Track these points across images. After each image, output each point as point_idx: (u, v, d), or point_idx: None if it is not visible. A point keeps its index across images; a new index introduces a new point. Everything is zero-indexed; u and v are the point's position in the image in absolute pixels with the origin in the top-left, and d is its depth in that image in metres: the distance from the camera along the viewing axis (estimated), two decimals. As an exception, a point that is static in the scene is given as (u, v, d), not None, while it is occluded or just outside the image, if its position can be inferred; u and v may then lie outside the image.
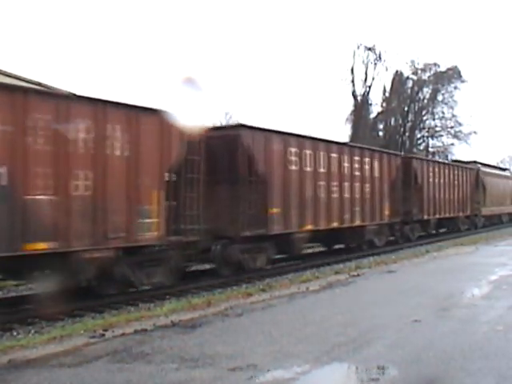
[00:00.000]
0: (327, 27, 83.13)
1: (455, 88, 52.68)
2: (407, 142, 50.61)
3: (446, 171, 26.68)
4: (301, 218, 15.26)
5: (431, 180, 24.50)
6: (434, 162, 27.22)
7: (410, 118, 52.56)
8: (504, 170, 41.26)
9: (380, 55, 48.33)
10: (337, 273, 13.27)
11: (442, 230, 27.47)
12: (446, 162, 30.33)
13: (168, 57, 66.06)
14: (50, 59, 66.60)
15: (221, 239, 13.19)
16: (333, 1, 79.30)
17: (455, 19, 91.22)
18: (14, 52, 57.34)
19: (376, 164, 19.56)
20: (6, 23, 60.90)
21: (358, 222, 18.20)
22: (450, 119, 53.63)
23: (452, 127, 53.88)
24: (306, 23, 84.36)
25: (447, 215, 26.49)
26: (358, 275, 12.47)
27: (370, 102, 50.77)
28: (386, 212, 20.08)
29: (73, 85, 51.16)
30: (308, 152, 15.64)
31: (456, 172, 28.09)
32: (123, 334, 7.05)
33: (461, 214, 28.39)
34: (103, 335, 7.04)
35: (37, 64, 59.73)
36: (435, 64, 51.69)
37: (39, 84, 21.91)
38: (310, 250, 18.99)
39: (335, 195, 16.86)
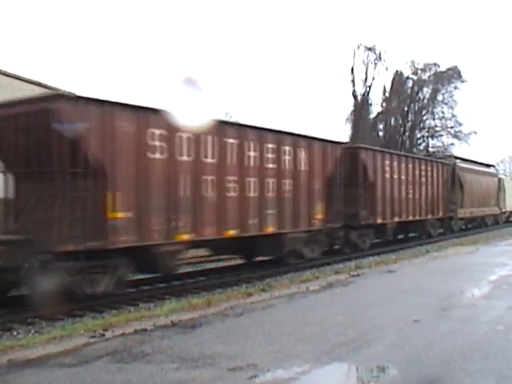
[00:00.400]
0: (327, 27, 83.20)
1: (455, 88, 52.71)
2: (407, 142, 50.59)
3: (410, 166, 22.41)
4: (169, 224, 11.28)
5: (388, 176, 20.27)
6: (392, 154, 22.06)
7: (410, 118, 52.55)
8: (489, 166, 36.25)
9: (380, 55, 48.36)
10: (337, 273, 13.27)
11: (409, 236, 24.29)
12: (410, 155, 25.10)
13: (168, 57, 66.06)
14: (50, 59, 66.60)
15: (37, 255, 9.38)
16: (333, 1, 79.32)
17: (455, 19, 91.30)
18: (14, 52, 57.34)
19: (302, 154, 15.28)
20: (6, 23, 60.91)
21: (271, 229, 14.04)
22: (450, 119, 53.65)
23: (452, 127, 53.91)
24: (306, 23, 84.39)
25: (411, 218, 22.24)
26: (358, 275, 12.47)
27: (370, 101, 50.80)
28: (319, 215, 15.90)
29: (72, 85, 51.10)
30: (185, 136, 11.51)
31: (424, 167, 23.78)
32: (123, 334, 7.05)
33: (430, 216, 24.28)
34: (103, 335, 7.04)
35: (37, 64, 59.72)
36: (435, 64, 51.72)
37: (39, 84, 21.92)
38: (221, 264, 16.14)
39: (232, 194, 12.82)
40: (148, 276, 13.36)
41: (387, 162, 20.35)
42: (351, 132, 47.96)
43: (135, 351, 6.23)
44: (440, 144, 53.12)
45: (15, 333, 8.58)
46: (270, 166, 14.14)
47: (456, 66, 52.39)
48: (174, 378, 5.29)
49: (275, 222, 14.21)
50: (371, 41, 51.11)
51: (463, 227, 29.73)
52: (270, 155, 14.10)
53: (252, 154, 13.55)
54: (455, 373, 5.39)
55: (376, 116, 51.93)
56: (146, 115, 10.91)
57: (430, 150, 51.86)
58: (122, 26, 80.00)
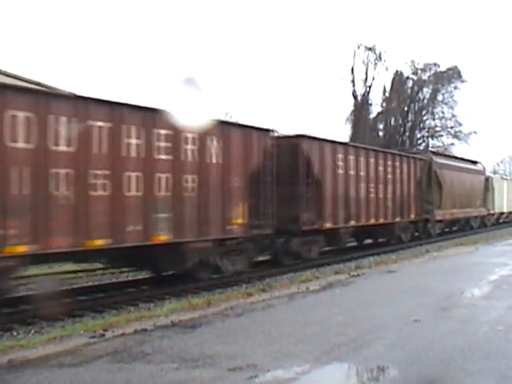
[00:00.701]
0: (327, 27, 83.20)
1: (455, 88, 52.75)
2: (407, 142, 50.61)
3: (372, 160, 19.11)
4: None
5: (341, 172, 17.20)
6: (348, 146, 18.70)
7: (410, 118, 52.58)
8: (475, 162, 33.02)
9: (380, 55, 48.37)
10: (337, 273, 13.27)
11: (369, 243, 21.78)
12: (371, 147, 21.46)
13: (168, 57, 66.07)
14: (49, 59, 66.60)
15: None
16: (333, 1, 79.35)
17: (455, 19, 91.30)
18: (14, 52, 57.34)
19: (214, 144, 12.33)
20: (6, 23, 60.91)
21: (165, 238, 11.17)
22: (450, 119, 53.69)
23: (452, 127, 53.94)
24: (306, 23, 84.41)
25: (373, 222, 19.09)
26: (358, 275, 12.46)
27: (370, 102, 50.81)
28: (239, 220, 13.05)
29: (72, 84, 51.08)
30: (22, 115, 8.84)
31: (391, 162, 20.54)
32: (123, 334, 7.05)
33: (398, 219, 21.06)
34: (103, 335, 7.04)
35: (37, 64, 59.72)
36: (435, 64, 51.75)
37: (39, 84, 21.92)
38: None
39: (100, 192, 9.96)
40: (148, 276, 13.39)
41: (340, 156, 17.18)
42: (351, 132, 47.98)
43: (135, 351, 6.23)
44: (440, 144, 53.18)
45: (15, 333, 8.57)
46: (163, 157, 11.12)
47: (456, 66, 52.46)
48: (174, 378, 5.29)
49: (171, 229, 11.27)
50: (371, 41, 51.13)
51: (445, 230, 27.27)
52: (162, 144, 11.08)
53: (134, 141, 10.58)
54: (455, 373, 5.39)
55: (376, 116, 51.95)
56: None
57: (430, 150, 51.93)
58: (122, 25, 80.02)
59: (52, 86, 22.44)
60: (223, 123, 13.22)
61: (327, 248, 17.75)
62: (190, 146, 11.77)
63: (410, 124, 52.53)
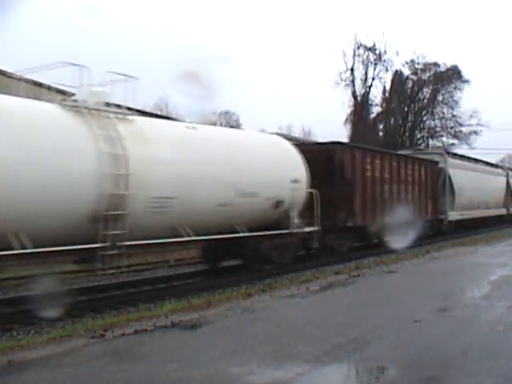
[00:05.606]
0: (328, 27, 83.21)
1: (455, 88, 52.81)
2: (407, 142, 50.64)
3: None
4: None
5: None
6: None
7: (409, 118, 52.67)
8: (495, 165, 33.15)
9: (380, 55, 48.45)
10: (337, 273, 13.26)
11: None
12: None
13: (168, 56, 66.03)
14: (50, 58, 66.48)
15: None
16: (333, 1, 79.35)
17: (455, 19, 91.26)
18: (15, 52, 57.27)
19: None
20: (6, 22, 60.85)
21: None
22: (450, 119, 53.77)
23: (452, 127, 54.01)
24: (306, 23, 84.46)
25: None
26: (358, 275, 12.45)
27: (370, 102, 50.85)
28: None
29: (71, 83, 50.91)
30: None
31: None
32: (123, 334, 7.04)
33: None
34: (103, 335, 7.03)
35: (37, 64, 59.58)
36: (435, 64, 51.82)
37: (40, 85, 21.87)
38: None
39: None
40: (148, 276, 13.39)
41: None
42: (351, 132, 48.00)
43: (135, 351, 6.23)
44: (440, 144, 53.22)
45: (15, 333, 8.57)
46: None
47: (456, 66, 52.56)
48: (173, 378, 5.29)
49: None
50: (371, 41, 51.11)
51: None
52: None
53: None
54: (455, 373, 5.40)
55: (376, 116, 51.98)
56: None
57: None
58: (122, 24, 79.96)
59: (52, 86, 22.38)
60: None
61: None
62: None
63: (409, 124, 52.60)
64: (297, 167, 15.20)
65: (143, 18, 78.78)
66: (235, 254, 14.20)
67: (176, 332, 7.18)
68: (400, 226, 20.00)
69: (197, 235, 11.78)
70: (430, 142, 53.81)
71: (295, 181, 14.81)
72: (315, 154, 16.72)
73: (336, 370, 5.76)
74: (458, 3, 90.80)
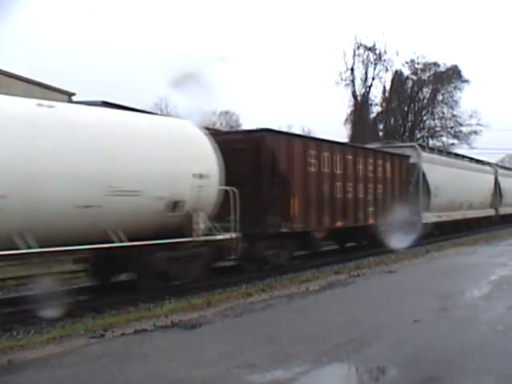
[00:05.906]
0: (327, 27, 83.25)
1: (455, 88, 52.82)
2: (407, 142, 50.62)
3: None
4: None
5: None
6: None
7: (410, 118, 52.68)
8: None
9: (380, 55, 48.45)
10: (337, 273, 13.26)
11: None
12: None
13: (167, 56, 66.05)
14: (49, 58, 66.57)
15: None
16: (333, 1, 79.39)
17: (455, 19, 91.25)
18: (15, 52, 57.31)
19: None
20: (6, 22, 60.83)
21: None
22: (450, 119, 53.77)
23: (452, 127, 54.01)
24: (306, 23, 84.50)
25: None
26: (358, 275, 12.45)
27: (370, 102, 50.86)
28: None
29: (71, 83, 51.00)
30: None
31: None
32: (123, 334, 7.04)
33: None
34: (103, 335, 7.04)
35: (37, 64, 59.67)
36: (435, 64, 51.83)
37: (39, 84, 21.90)
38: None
39: None
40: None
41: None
42: (351, 132, 48.01)
43: (135, 351, 6.23)
44: (440, 144, 53.23)
45: (15, 333, 8.56)
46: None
47: (456, 66, 52.57)
48: (174, 378, 5.29)
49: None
50: (371, 41, 51.12)
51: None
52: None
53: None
54: (455, 372, 5.40)
55: (376, 116, 51.99)
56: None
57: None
58: (122, 23, 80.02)
59: (52, 86, 22.43)
60: None
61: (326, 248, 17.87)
62: None
63: (409, 124, 52.61)
64: (204, 159, 12.14)
65: (143, 18, 78.83)
66: (123, 268, 11.65)
67: (176, 332, 7.19)
68: (355, 231, 18.09)
69: (49, 246, 9.08)
70: (430, 141, 53.80)
71: (200, 176, 11.84)
72: (241, 143, 14.18)
73: (336, 369, 5.77)
74: (458, 3, 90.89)
